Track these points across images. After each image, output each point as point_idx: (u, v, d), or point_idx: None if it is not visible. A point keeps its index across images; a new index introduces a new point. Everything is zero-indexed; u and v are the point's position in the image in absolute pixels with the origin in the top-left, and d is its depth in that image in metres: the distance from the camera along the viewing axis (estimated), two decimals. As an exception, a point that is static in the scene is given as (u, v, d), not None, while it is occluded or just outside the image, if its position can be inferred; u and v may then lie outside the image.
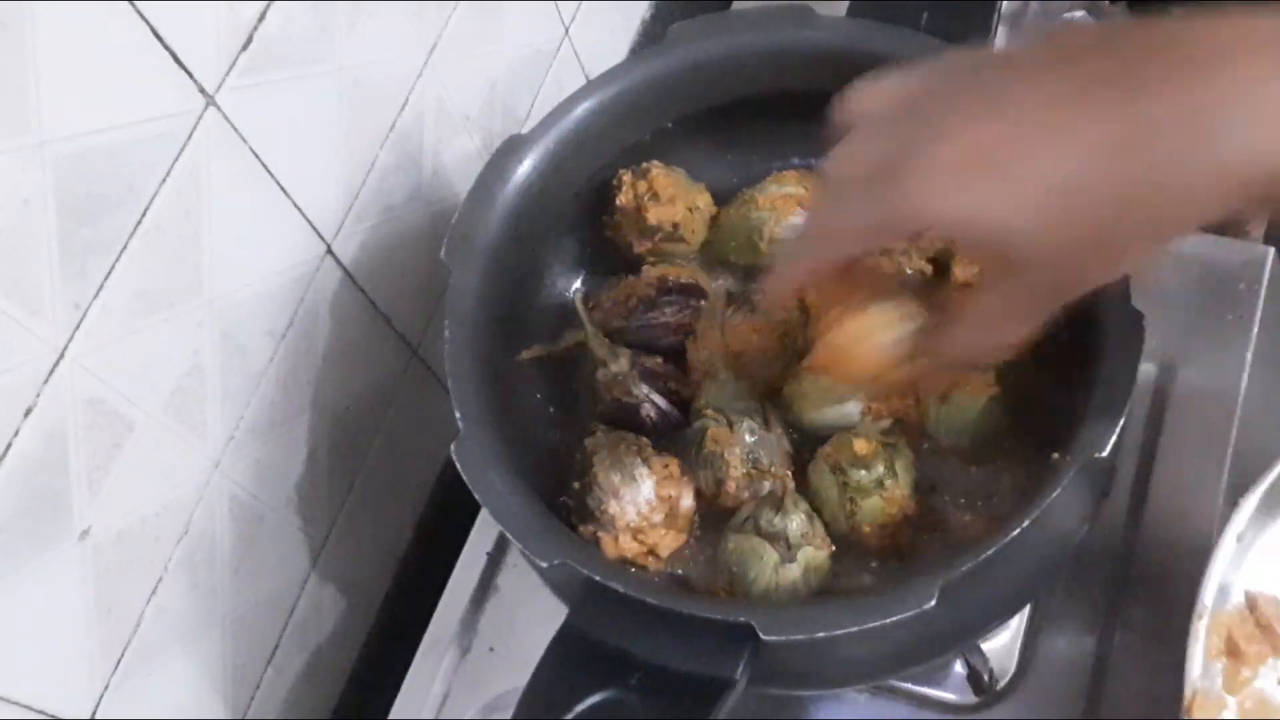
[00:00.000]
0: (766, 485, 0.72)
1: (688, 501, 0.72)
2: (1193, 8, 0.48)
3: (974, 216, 0.49)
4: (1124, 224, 0.49)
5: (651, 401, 0.75)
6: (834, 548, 0.70)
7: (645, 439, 0.74)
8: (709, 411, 0.73)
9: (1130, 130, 0.47)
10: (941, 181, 0.50)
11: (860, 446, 0.69)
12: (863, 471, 0.69)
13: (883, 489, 0.69)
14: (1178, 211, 0.49)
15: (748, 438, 0.72)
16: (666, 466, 0.72)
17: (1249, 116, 0.46)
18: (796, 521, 0.69)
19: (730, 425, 0.72)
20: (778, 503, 0.69)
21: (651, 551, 0.71)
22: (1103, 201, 0.48)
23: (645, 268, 0.79)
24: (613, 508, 0.71)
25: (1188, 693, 0.67)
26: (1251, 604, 0.71)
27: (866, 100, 0.57)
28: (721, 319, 0.76)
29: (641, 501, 0.71)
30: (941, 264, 0.76)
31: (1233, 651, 0.69)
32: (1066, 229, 0.49)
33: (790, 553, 0.68)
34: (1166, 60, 0.47)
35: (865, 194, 0.53)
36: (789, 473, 0.71)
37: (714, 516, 0.73)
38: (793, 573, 0.68)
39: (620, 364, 0.75)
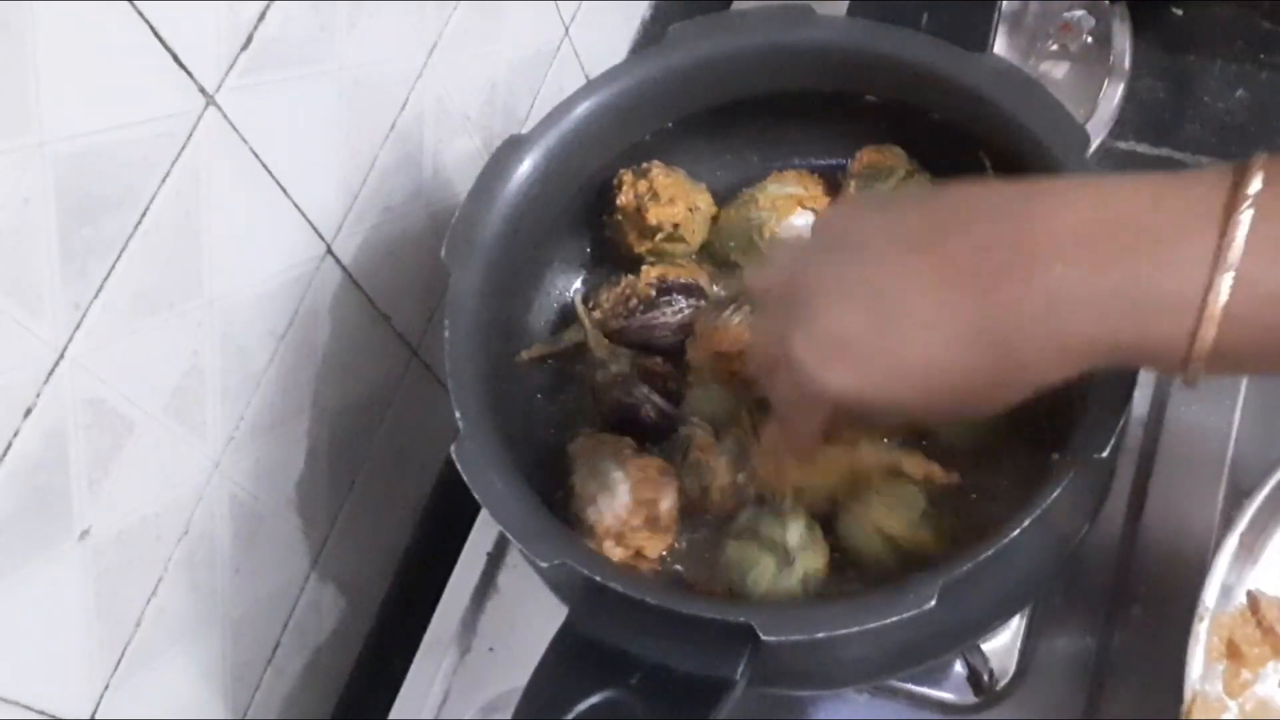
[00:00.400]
0: (752, 493, 0.72)
1: (668, 503, 0.72)
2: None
3: (857, 394, 0.57)
4: (979, 391, 0.57)
5: (651, 402, 0.75)
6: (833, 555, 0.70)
7: (627, 439, 0.74)
8: (695, 420, 0.73)
9: (984, 320, 0.54)
10: (822, 368, 0.57)
11: (906, 530, 0.69)
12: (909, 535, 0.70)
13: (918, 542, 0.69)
14: (1026, 379, 0.56)
15: (733, 448, 0.72)
16: (644, 469, 0.72)
17: (1082, 307, 0.52)
18: (795, 531, 0.69)
19: (716, 434, 0.72)
20: (777, 511, 0.69)
21: (638, 554, 0.71)
22: (962, 378, 0.56)
23: (645, 267, 0.79)
24: (591, 515, 0.71)
25: (1187, 694, 0.67)
26: (1254, 605, 0.70)
27: (757, 282, 0.64)
28: (715, 322, 0.76)
29: (619, 506, 0.71)
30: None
31: (1234, 654, 0.69)
32: (931, 398, 0.57)
33: (789, 560, 0.68)
34: (1012, 253, 0.54)
35: (784, 379, 0.61)
36: (790, 487, 0.70)
37: (705, 517, 0.73)
38: (790, 581, 0.68)
39: (620, 364, 0.75)
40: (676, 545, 0.73)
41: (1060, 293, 0.52)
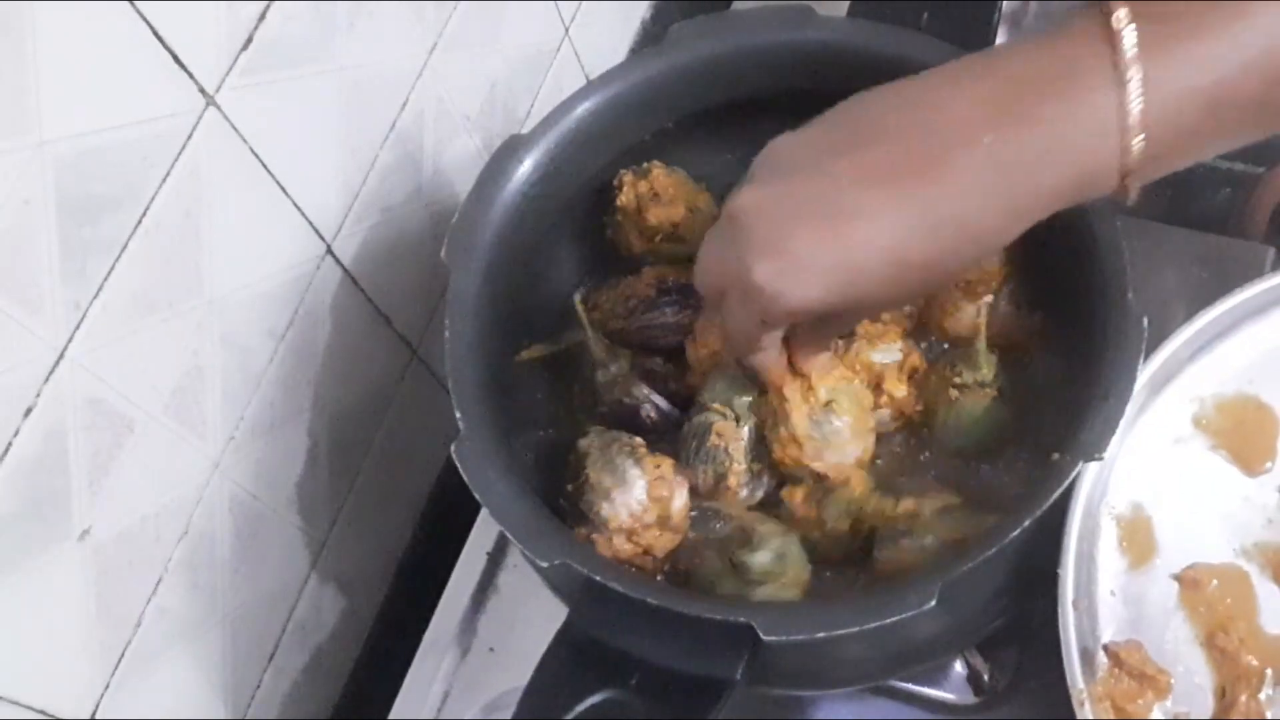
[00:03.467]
0: (765, 481, 0.72)
1: (680, 501, 0.72)
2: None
3: (822, 302, 0.59)
4: (939, 268, 0.60)
5: (652, 402, 0.75)
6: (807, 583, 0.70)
7: (638, 439, 0.74)
8: (715, 406, 0.72)
9: (930, 207, 0.57)
10: (785, 285, 0.59)
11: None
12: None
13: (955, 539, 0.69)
14: (986, 243, 0.59)
15: (751, 434, 0.72)
16: (658, 467, 0.72)
17: (1015, 169, 0.56)
18: (763, 557, 0.69)
19: (737, 420, 0.72)
20: (746, 540, 0.69)
21: (647, 552, 0.71)
22: (921, 260, 0.58)
23: (645, 268, 0.79)
24: (605, 510, 0.71)
25: None
26: (1115, 660, 0.69)
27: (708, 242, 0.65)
28: (715, 322, 0.75)
29: (633, 502, 0.71)
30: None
31: (1121, 715, 0.68)
32: (897, 287, 0.60)
33: (751, 586, 0.68)
34: (935, 142, 0.57)
35: (737, 305, 0.62)
36: (764, 522, 0.71)
37: (710, 515, 0.73)
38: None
39: (620, 365, 0.75)
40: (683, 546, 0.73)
41: (991, 162, 0.56)
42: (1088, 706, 0.66)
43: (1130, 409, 0.70)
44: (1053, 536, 0.68)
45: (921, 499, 0.70)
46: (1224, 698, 0.67)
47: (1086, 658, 0.68)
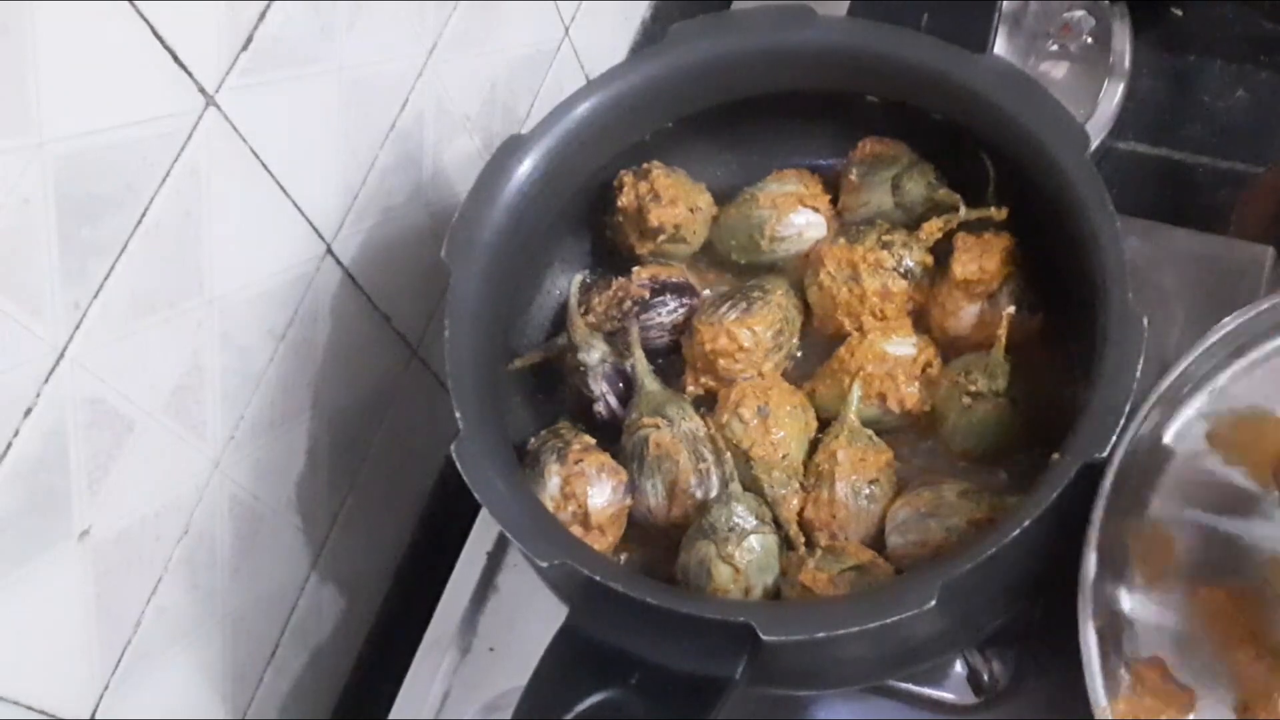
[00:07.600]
0: (715, 479, 0.72)
1: (599, 500, 0.71)
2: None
3: None
4: None
5: (606, 401, 0.75)
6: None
7: (587, 437, 0.74)
8: (645, 421, 0.73)
9: None
10: None
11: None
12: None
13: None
14: None
15: (688, 431, 0.72)
16: (580, 463, 0.71)
17: None
18: (747, 551, 0.69)
19: (671, 424, 0.72)
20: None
21: None
22: None
23: (635, 269, 0.79)
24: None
25: None
26: (1136, 676, 0.68)
27: None
28: (712, 319, 0.75)
29: (546, 499, 0.71)
30: (940, 257, 0.76)
31: None
32: None
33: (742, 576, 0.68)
34: None
35: None
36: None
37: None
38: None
39: (590, 356, 0.76)
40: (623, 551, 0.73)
41: None
42: None
43: (1146, 425, 0.70)
44: (1053, 537, 0.68)
45: (938, 486, 0.70)
46: (1246, 711, 0.67)
47: (1109, 674, 0.68)
